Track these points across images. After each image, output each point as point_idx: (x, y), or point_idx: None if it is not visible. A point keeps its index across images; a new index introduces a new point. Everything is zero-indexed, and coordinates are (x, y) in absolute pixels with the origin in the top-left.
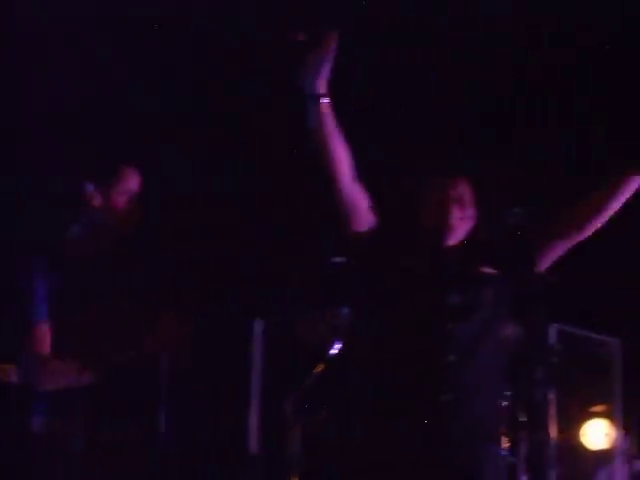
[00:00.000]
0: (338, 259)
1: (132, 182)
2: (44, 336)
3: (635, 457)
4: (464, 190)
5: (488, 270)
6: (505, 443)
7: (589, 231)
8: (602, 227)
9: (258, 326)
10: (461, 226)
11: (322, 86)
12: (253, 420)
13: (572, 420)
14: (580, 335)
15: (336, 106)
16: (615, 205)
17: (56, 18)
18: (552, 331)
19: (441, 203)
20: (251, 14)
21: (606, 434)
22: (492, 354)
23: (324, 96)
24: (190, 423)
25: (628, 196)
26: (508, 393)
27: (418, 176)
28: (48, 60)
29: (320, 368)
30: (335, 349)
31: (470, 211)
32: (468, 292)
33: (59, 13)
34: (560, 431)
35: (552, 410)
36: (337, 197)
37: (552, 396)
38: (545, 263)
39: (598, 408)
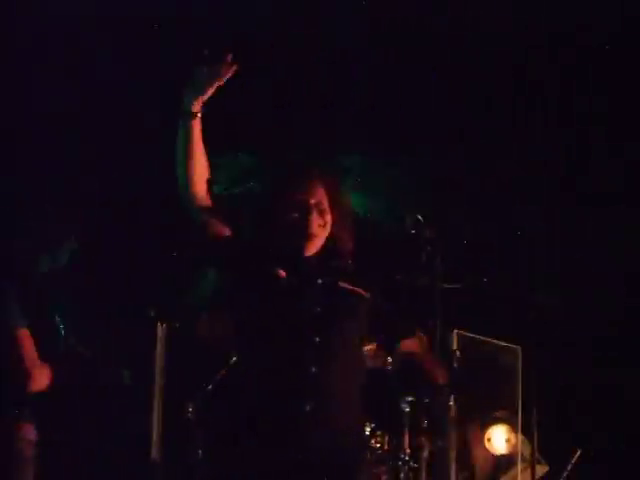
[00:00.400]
0: None
1: None
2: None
3: (536, 462)
4: (322, 195)
5: (346, 286)
6: (407, 449)
7: None
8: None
9: (161, 330)
10: (320, 234)
11: (198, 105)
12: (155, 425)
13: (474, 426)
14: (482, 341)
15: None
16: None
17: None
18: (453, 337)
19: (301, 210)
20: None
21: (507, 440)
22: (353, 365)
23: (196, 115)
24: (90, 428)
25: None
26: (409, 399)
27: (277, 178)
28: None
29: (223, 371)
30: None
31: (328, 217)
32: (328, 303)
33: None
34: (462, 437)
35: (454, 416)
36: (192, 208)
37: (454, 402)
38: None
39: (500, 414)
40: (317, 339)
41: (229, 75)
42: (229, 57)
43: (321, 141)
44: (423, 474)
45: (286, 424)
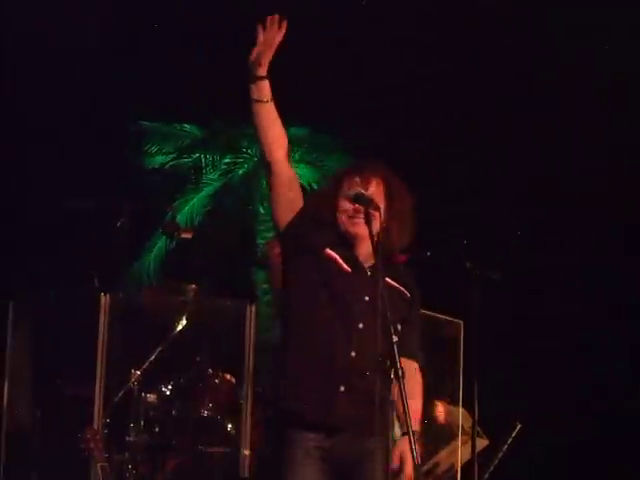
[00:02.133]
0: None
1: None
2: None
3: (477, 436)
4: (378, 190)
5: (391, 282)
6: None
7: None
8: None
9: (105, 299)
10: (372, 227)
11: (264, 69)
12: (98, 393)
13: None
14: (425, 315)
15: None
16: None
17: None
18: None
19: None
20: None
21: (449, 413)
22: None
23: (263, 78)
24: (34, 398)
25: None
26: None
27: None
28: None
29: (166, 343)
30: (181, 324)
31: (381, 212)
32: (375, 295)
33: None
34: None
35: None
36: (270, 172)
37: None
38: None
39: (442, 387)
40: (360, 325)
41: (281, 37)
42: (279, 21)
43: None
44: None
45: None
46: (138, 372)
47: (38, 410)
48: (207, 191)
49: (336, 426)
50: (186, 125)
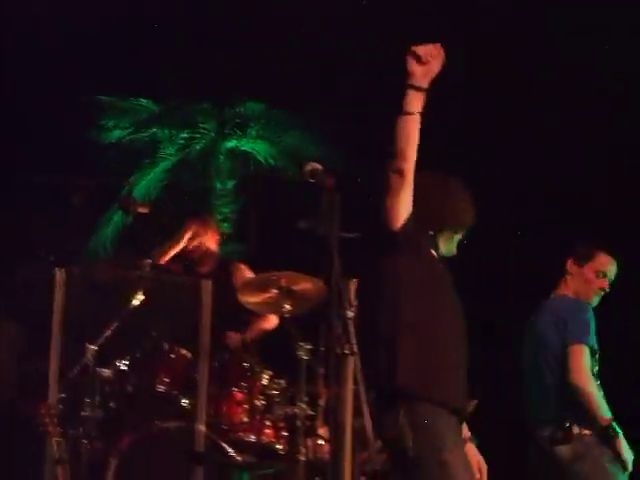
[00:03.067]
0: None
1: None
2: None
3: None
4: None
5: None
6: (304, 396)
7: None
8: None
9: (60, 274)
10: None
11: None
12: (53, 368)
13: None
14: None
15: None
16: None
17: None
18: (351, 286)
19: None
20: None
21: None
22: None
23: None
24: None
25: None
26: (308, 346)
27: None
28: None
29: (122, 318)
30: (138, 299)
31: None
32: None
33: None
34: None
35: (352, 364)
36: (402, 177)
37: (352, 351)
38: None
39: None
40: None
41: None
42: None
43: (226, 88)
44: (319, 421)
45: None
46: (94, 347)
47: None
48: (164, 166)
49: (465, 414)
50: (143, 100)
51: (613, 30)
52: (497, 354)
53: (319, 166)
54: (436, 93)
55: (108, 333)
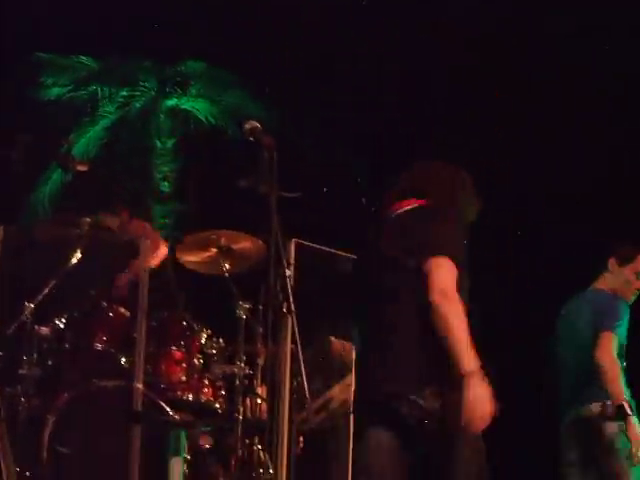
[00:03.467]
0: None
1: None
2: None
3: None
4: None
5: None
6: (242, 355)
7: None
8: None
9: None
10: None
11: None
12: None
13: (312, 333)
14: (319, 250)
15: None
16: None
17: None
18: (291, 246)
19: None
20: None
21: (343, 348)
22: None
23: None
24: None
25: None
26: (247, 305)
27: None
28: None
29: (60, 276)
30: (76, 257)
31: None
32: None
33: None
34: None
35: (291, 324)
36: None
37: (291, 310)
38: None
39: (337, 323)
40: None
41: None
42: None
43: (166, 46)
44: (258, 381)
45: None
46: (32, 305)
47: None
48: (103, 124)
49: None
50: (82, 57)
51: (613, 30)
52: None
53: (258, 125)
54: (435, 94)
55: (46, 291)
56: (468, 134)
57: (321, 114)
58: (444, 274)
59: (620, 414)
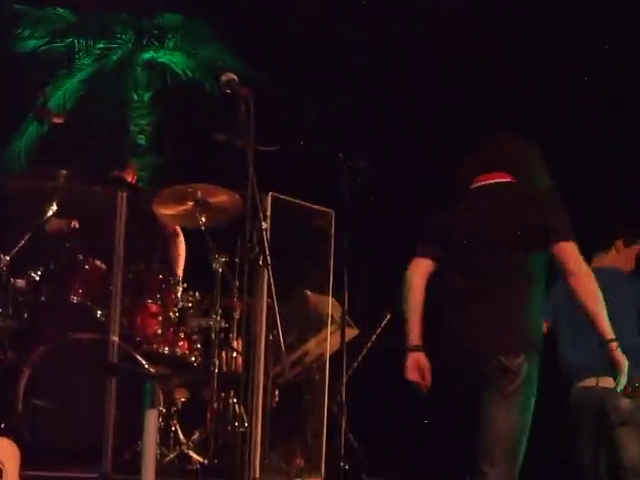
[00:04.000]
0: None
1: None
2: None
3: (347, 325)
4: None
5: None
6: (218, 308)
7: None
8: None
9: None
10: None
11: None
12: None
13: (288, 287)
14: (296, 204)
15: None
16: None
17: None
18: (268, 200)
19: None
20: None
21: (319, 302)
22: None
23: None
24: None
25: None
26: (223, 259)
27: None
28: None
29: (36, 228)
30: (52, 210)
31: None
32: None
33: None
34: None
35: (267, 277)
36: None
37: (267, 263)
38: None
39: (313, 276)
40: None
41: None
42: None
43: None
44: (233, 334)
45: None
46: (7, 257)
47: None
48: (80, 76)
49: None
50: (60, 9)
51: (611, 24)
52: None
53: (235, 77)
54: (433, 88)
55: (22, 244)
56: (466, 128)
57: (318, 108)
58: (580, 257)
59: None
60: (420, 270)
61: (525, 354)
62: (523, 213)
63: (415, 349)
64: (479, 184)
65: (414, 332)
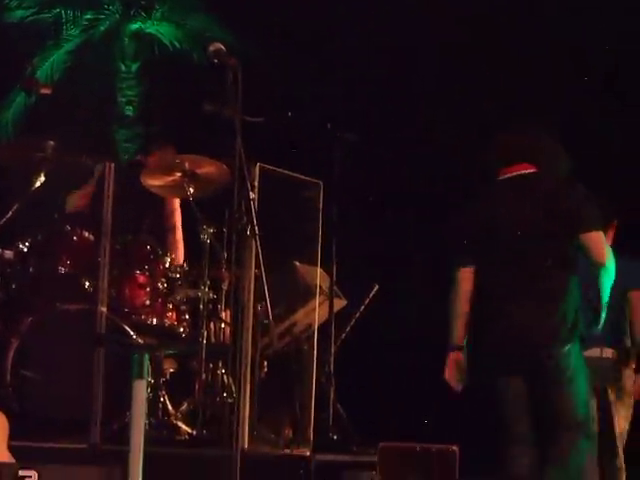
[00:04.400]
0: None
1: None
2: None
3: (335, 296)
4: None
5: None
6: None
7: None
8: None
9: None
10: None
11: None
12: None
13: (276, 258)
14: (284, 175)
15: None
16: None
17: None
18: (256, 170)
19: None
20: None
21: (307, 273)
22: None
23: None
24: None
25: None
26: (211, 230)
27: None
28: None
29: (23, 199)
30: (40, 181)
31: None
32: None
33: None
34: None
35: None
36: None
37: (255, 233)
38: None
39: (301, 247)
40: None
41: None
42: None
43: None
44: (222, 305)
45: None
46: None
47: None
48: (67, 47)
49: None
50: None
51: (604, 8)
52: None
53: (222, 47)
54: (425, 70)
55: (9, 214)
56: (457, 110)
57: (309, 85)
58: (605, 248)
59: None
60: (466, 278)
61: (572, 344)
62: (555, 201)
63: (456, 348)
64: (505, 176)
65: (458, 333)
